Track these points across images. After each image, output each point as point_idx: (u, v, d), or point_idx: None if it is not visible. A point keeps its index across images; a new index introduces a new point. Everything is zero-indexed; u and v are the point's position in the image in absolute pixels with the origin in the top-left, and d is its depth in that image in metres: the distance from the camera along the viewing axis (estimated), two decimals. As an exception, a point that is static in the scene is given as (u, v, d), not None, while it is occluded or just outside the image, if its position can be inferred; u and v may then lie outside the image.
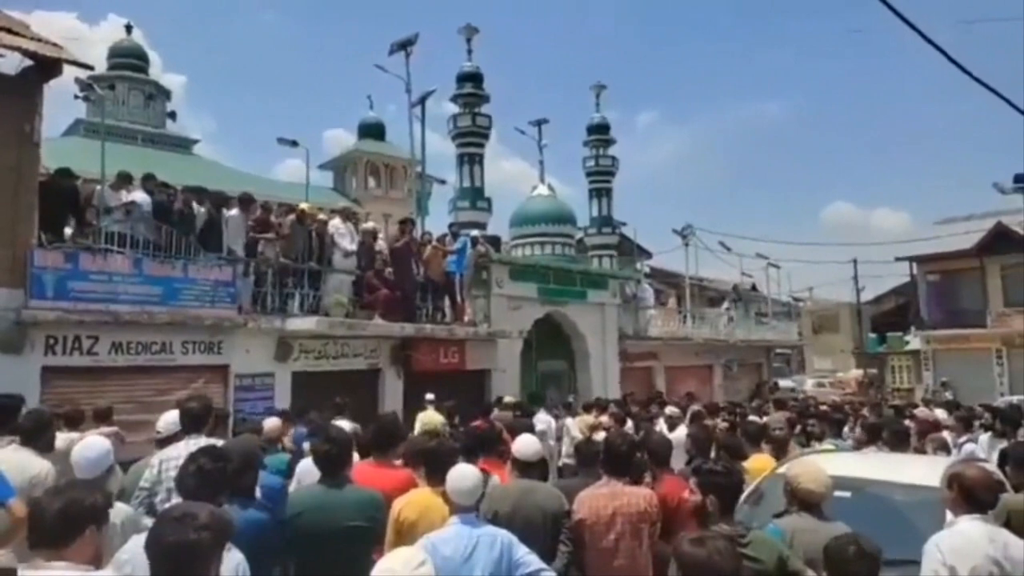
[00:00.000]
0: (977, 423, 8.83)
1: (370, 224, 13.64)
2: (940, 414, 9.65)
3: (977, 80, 6.35)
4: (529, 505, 3.90)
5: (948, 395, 21.90)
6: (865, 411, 10.74)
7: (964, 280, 28.34)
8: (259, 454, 3.76)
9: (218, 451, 3.11)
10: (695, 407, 10.77)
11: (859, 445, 7.07)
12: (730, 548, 2.41)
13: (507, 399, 11.23)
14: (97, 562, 2.20)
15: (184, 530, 1.91)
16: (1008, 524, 4.05)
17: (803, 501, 3.53)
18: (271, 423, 6.11)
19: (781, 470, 4.70)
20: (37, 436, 4.03)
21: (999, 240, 26.19)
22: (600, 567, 3.74)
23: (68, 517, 2.11)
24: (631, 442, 4.37)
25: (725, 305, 25.23)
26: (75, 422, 6.41)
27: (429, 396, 9.82)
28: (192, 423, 4.07)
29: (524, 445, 4.33)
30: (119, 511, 3.17)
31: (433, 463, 3.84)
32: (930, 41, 5.59)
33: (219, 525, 2.01)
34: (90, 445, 3.49)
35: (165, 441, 4.31)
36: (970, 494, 3.33)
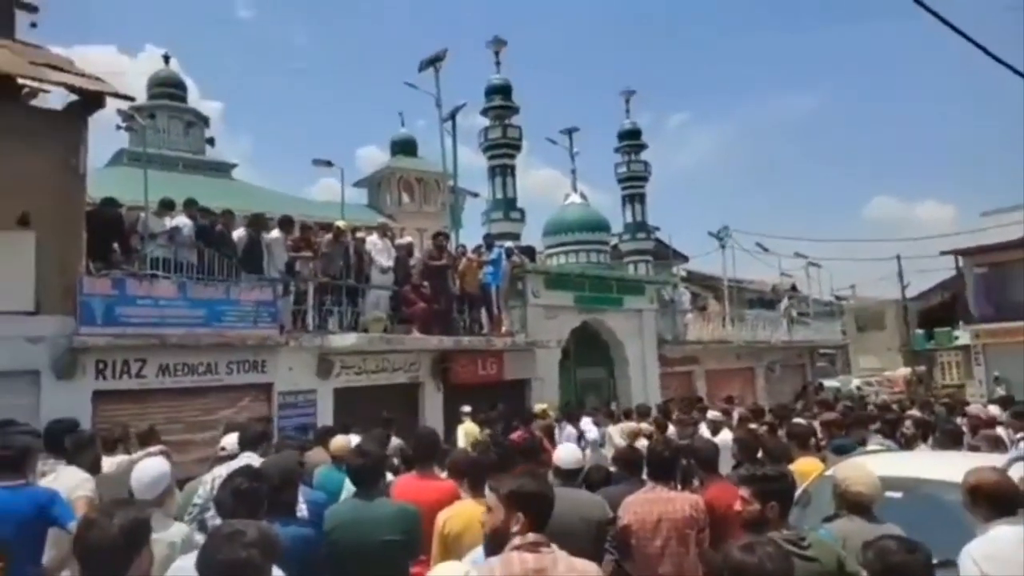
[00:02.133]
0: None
1: (406, 239, 13.81)
2: (994, 410, 9.34)
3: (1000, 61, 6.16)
4: (569, 513, 3.88)
5: (1000, 390, 21.19)
6: (914, 410, 10.45)
7: (1013, 272, 27.45)
8: (298, 471, 3.79)
9: (254, 471, 3.15)
10: (739, 411, 10.63)
11: (909, 444, 6.89)
12: (781, 554, 2.38)
13: (537, 407, 11.21)
14: None
15: (234, 548, 1.96)
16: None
17: (853, 504, 3.49)
18: (338, 441, 5.76)
19: (829, 472, 4.63)
20: (78, 455, 4.20)
21: (1049, 228, 25.34)
22: (646, 573, 3.73)
23: (129, 535, 2.12)
24: (674, 448, 4.42)
25: (784, 304, 24.84)
26: (110, 446, 6.46)
27: (465, 408, 9.85)
28: (249, 442, 4.18)
29: (565, 454, 4.44)
30: (179, 530, 3.23)
31: (475, 475, 3.86)
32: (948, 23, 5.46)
33: (267, 541, 2.04)
34: (149, 466, 3.57)
35: (226, 458, 4.47)
36: (992, 499, 3.24)
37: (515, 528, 2.50)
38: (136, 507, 2.34)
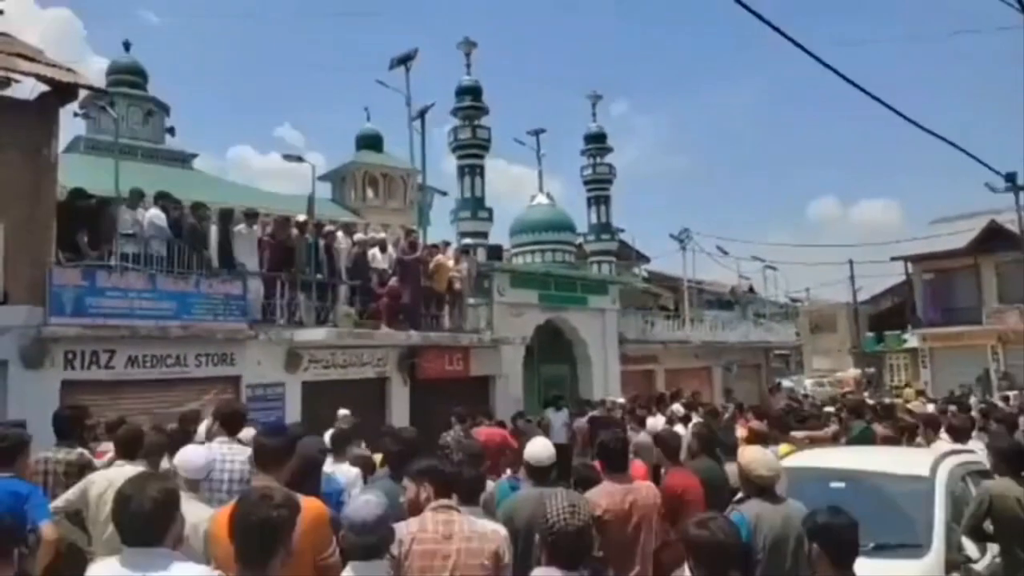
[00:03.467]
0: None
1: (380, 234, 13.95)
2: (931, 408, 9.98)
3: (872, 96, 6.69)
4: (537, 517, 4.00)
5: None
6: (831, 409, 11.12)
7: (959, 278, 28.68)
8: (320, 459, 3.90)
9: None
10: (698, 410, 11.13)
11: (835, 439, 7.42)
12: (730, 526, 2.69)
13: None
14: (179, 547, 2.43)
15: (265, 509, 2.20)
16: (991, 508, 4.34)
17: (757, 486, 3.77)
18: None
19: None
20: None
21: (992, 238, 26.50)
22: (621, 557, 3.94)
23: (167, 508, 2.33)
24: (624, 440, 4.57)
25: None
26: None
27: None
28: (230, 426, 4.31)
29: (537, 450, 4.14)
30: (204, 513, 3.33)
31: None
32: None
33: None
34: (194, 452, 3.69)
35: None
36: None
37: (423, 496, 3.15)
38: (165, 478, 2.57)
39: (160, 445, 4.55)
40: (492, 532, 3.10)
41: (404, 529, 2.94)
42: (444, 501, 3.11)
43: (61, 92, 8.46)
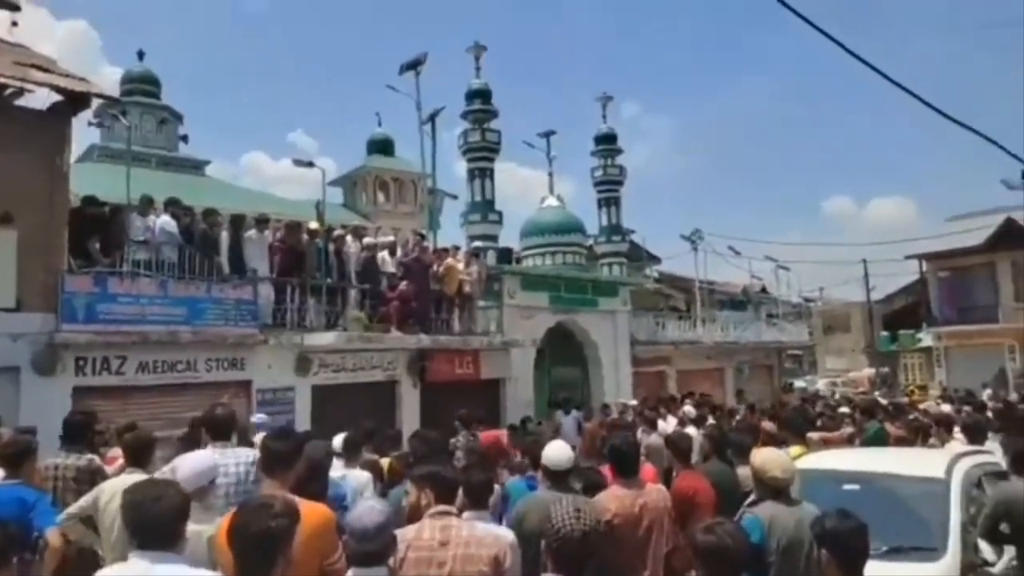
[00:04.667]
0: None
1: (388, 237, 13.98)
2: (946, 408, 9.86)
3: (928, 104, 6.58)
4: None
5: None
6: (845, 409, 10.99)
7: (975, 276, 28.39)
8: (326, 463, 3.88)
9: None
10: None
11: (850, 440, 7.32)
12: (737, 531, 2.66)
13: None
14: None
15: (264, 519, 2.19)
16: (1008, 511, 4.27)
17: (771, 489, 3.73)
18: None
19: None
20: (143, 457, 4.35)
21: (1009, 235, 26.23)
22: (631, 560, 3.89)
23: (181, 513, 2.41)
24: (634, 443, 4.52)
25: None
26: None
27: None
28: (216, 431, 4.27)
29: (554, 453, 4.11)
30: (215, 523, 3.33)
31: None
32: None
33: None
34: (196, 458, 3.68)
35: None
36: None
37: (424, 503, 3.13)
38: (177, 485, 2.64)
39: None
40: (493, 538, 3.05)
41: (400, 536, 2.92)
42: (443, 507, 3.08)
43: (74, 101, 8.54)
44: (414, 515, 3.15)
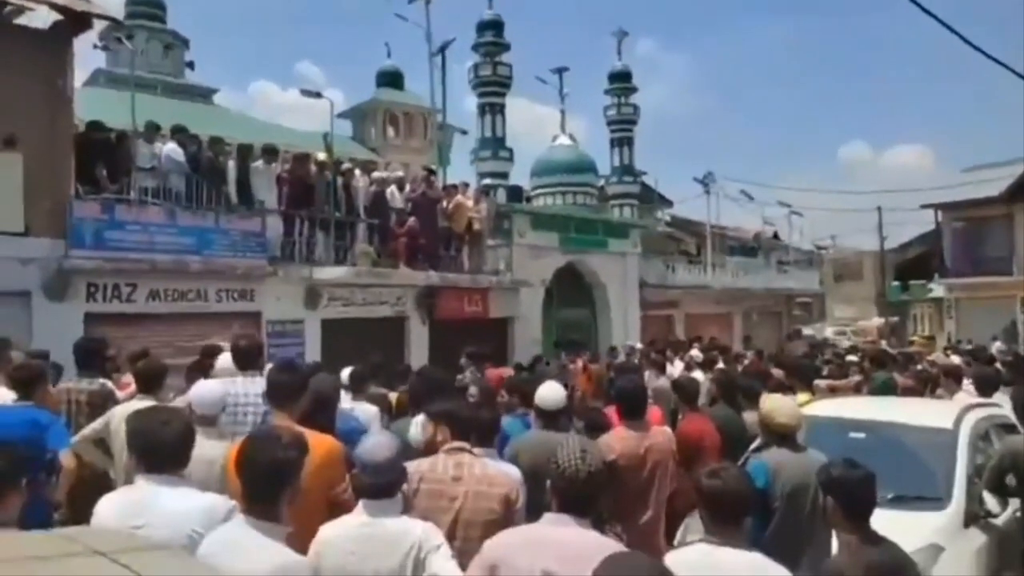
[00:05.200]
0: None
1: (397, 172, 13.81)
2: (956, 359, 9.83)
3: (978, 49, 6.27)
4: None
5: None
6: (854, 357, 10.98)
7: (991, 227, 27.94)
8: (334, 396, 3.87)
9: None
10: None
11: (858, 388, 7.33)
12: (743, 476, 2.64)
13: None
14: None
15: (273, 449, 2.20)
16: (1014, 463, 4.25)
17: (778, 435, 3.71)
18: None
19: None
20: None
21: (1029, 187, 25.68)
22: (634, 502, 3.92)
23: (188, 438, 2.47)
24: (641, 385, 4.54)
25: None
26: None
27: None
28: (244, 361, 4.27)
29: (547, 393, 4.14)
30: (221, 449, 3.29)
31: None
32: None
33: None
34: (209, 387, 3.69)
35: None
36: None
37: (440, 438, 3.23)
38: (185, 415, 2.70)
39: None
40: (504, 476, 3.07)
41: (413, 468, 2.94)
42: (458, 443, 3.10)
43: (75, 22, 8.30)
44: (430, 450, 3.19)
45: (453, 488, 2.93)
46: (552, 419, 4.09)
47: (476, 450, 3.23)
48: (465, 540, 2.80)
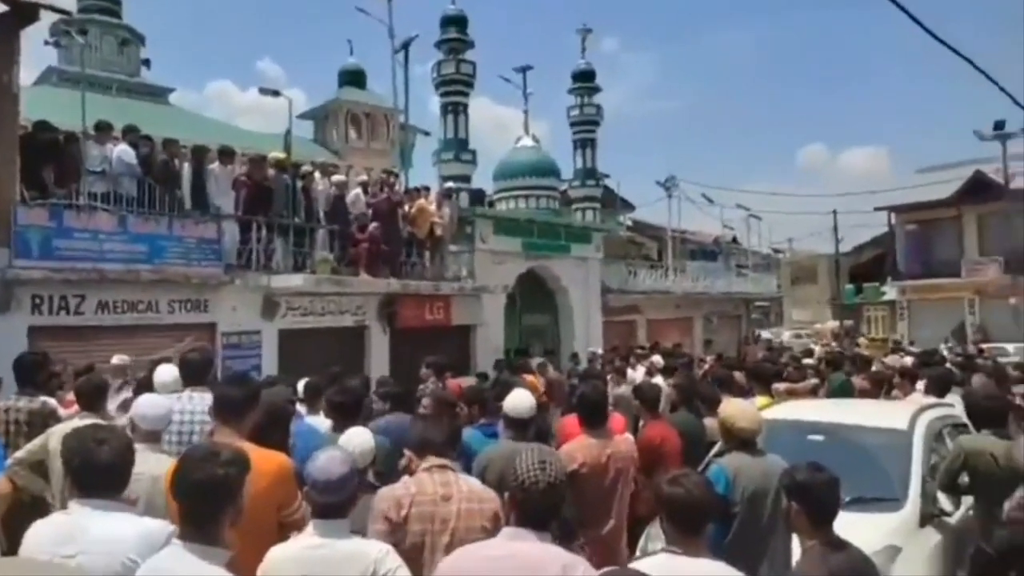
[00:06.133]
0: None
1: (361, 176, 13.62)
2: (907, 360, 10.07)
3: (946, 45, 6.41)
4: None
5: None
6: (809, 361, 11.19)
7: (941, 229, 28.74)
8: (288, 409, 3.77)
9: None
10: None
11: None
12: (703, 482, 2.62)
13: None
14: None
15: (211, 467, 2.07)
16: (966, 463, 4.33)
17: (738, 439, 3.71)
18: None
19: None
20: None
21: (977, 188, 26.45)
22: (597, 510, 3.89)
23: (125, 459, 2.34)
24: (602, 392, 4.52)
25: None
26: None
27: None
28: (193, 375, 4.13)
29: (517, 401, 4.07)
30: (163, 464, 3.21)
31: None
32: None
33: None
34: (154, 402, 3.52)
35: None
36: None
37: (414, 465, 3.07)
38: (118, 429, 2.57)
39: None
40: (489, 492, 3.01)
41: (402, 491, 2.86)
42: (440, 461, 3.00)
43: (22, 13, 7.94)
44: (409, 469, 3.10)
45: (444, 508, 2.85)
46: (522, 428, 4.01)
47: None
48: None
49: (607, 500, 3.93)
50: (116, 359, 7.06)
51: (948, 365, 9.82)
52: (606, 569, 1.98)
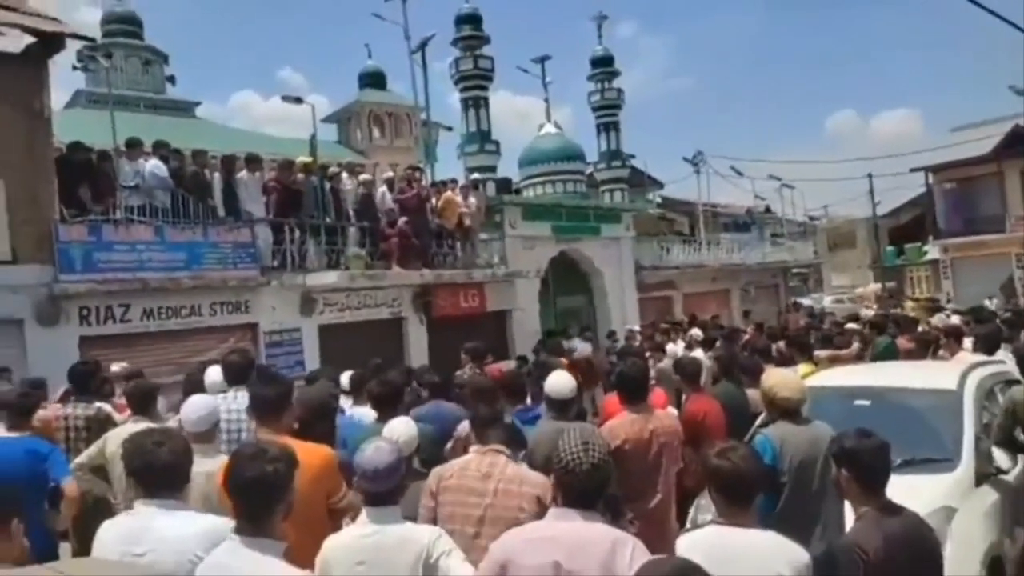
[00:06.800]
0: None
1: (387, 173, 13.73)
2: (956, 320, 9.81)
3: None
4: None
5: None
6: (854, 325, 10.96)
7: (981, 186, 27.92)
8: (331, 403, 3.82)
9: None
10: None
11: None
12: (750, 454, 2.59)
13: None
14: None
15: (260, 464, 2.13)
16: (1016, 417, 4.22)
17: (782, 409, 3.65)
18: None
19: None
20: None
21: (1017, 143, 25.67)
22: (642, 486, 3.88)
23: (184, 458, 2.43)
24: (642, 368, 4.47)
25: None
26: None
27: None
28: (235, 376, 4.21)
29: (557, 382, 4.07)
30: (218, 461, 3.29)
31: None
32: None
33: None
34: (195, 406, 3.59)
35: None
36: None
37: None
38: (180, 434, 2.66)
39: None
40: (538, 477, 3.04)
41: (448, 468, 3.05)
42: (494, 446, 3.12)
43: (48, 43, 8.19)
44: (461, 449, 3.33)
45: (482, 484, 2.96)
46: (564, 408, 4.03)
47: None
48: (491, 538, 2.72)
49: (652, 475, 3.91)
50: (115, 367, 7.18)
51: (998, 322, 9.55)
52: (652, 557, 1.99)
